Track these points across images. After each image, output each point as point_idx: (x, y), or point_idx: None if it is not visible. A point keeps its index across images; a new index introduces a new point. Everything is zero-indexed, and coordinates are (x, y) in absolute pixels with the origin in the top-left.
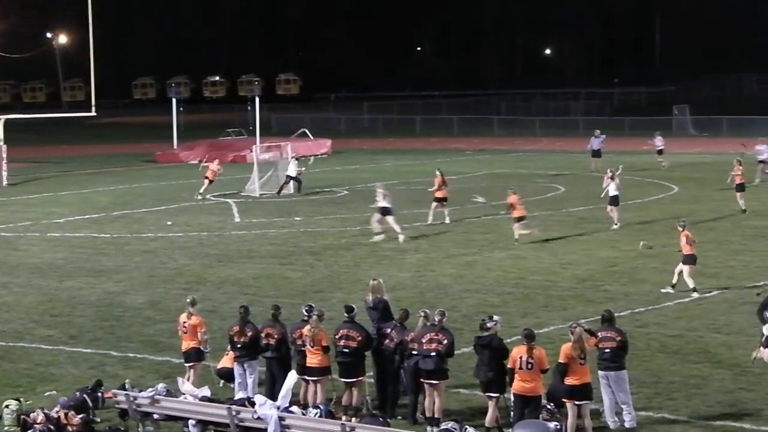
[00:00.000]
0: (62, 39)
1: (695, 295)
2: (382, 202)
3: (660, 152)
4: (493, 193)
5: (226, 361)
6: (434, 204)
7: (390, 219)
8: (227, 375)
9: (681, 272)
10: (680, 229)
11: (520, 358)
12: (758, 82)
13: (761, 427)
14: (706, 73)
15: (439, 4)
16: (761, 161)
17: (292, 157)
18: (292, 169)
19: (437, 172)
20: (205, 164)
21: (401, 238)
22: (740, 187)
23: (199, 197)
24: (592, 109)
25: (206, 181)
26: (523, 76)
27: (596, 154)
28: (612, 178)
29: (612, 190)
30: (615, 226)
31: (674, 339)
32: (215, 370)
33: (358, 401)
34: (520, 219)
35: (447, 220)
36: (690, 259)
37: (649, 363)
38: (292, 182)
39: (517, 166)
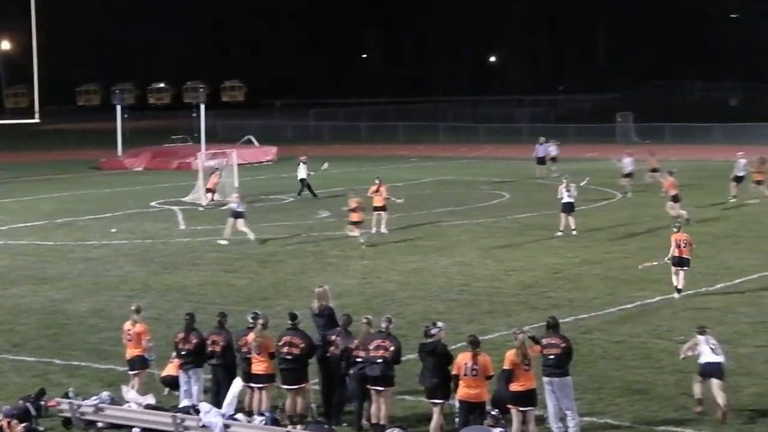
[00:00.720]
0: (5, 45)
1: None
2: (238, 207)
3: (553, 160)
4: (439, 200)
5: (171, 368)
6: (374, 213)
7: (241, 222)
8: (172, 383)
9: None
10: (675, 230)
11: (465, 364)
12: (702, 89)
13: None
14: (650, 80)
15: (385, 11)
16: (626, 175)
17: (302, 161)
18: (303, 172)
19: (376, 180)
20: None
21: (251, 236)
22: (675, 198)
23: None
24: (537, 116)
25: (209, 194)
26: (470, 83)
27: (541, 161)
28: (566, 187)
29: (566, 197)
30: (573, 233)
31: (617, 345)
32: (160, 377)
33: (302, 408)
34: (357, 223)
35: (383, 230)
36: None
37: (593, 369)
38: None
39: (462, 173)
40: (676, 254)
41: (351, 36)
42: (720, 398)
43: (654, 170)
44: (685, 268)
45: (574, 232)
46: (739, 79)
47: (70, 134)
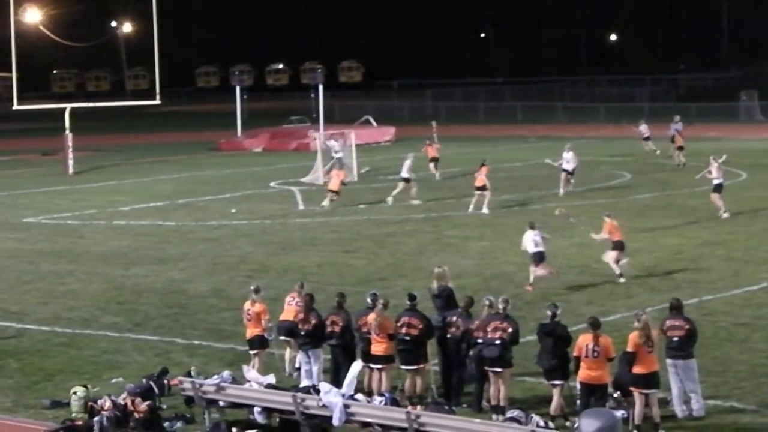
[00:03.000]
0: (126, 28)
1: (622, 280)
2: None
3: (647, 139)
4: (557, 180)
5: (288, 313)
6: (475, 192)
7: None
8: (289, 330)
9: (616, 260)
10: (607, 219)
11: (586, 346)
12: None
13: None
14: None
15: None
16: (565, 171)
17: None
18: (406, 170)
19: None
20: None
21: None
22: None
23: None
24: (657, 95)
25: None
26: (587, 62)
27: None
28: (718, 168)
29: (717, 178)
30: (725, 215)
31: (742, 327)
32: (277, 325)
33: (422, 389)
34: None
35: (485, 210)
36: (619, 246)
37: (717, 351)
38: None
39: (581, 153)
40: (617, 238)
41: (467, 15)
42: None
43: None
44: None
45: (725, 215)
46: None
47: (189, 116)
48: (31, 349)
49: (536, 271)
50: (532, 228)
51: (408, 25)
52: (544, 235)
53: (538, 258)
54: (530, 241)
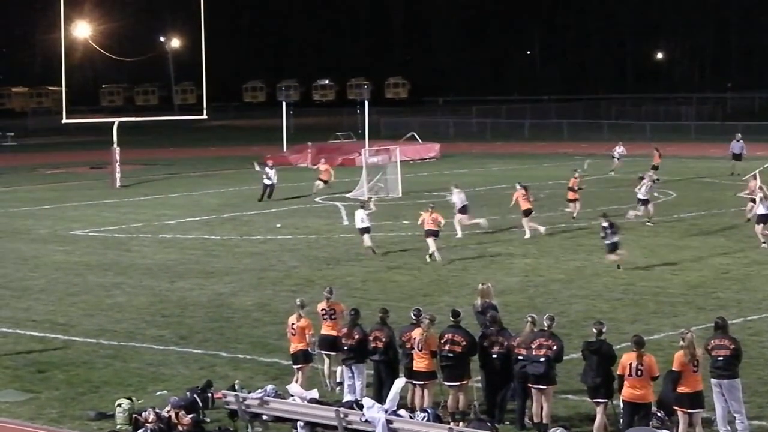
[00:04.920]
0: (174, 42)
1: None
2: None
3: (618, 159)
4: (603, 198)
5: (329, 327)
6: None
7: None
8: (332, 344)
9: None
10: (430, 210)
11: (630, 364)
12: None
13: None
14: None
15: (547, 7)
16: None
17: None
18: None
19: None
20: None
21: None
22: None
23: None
24: (704, 114)
25: (320, 183)
26: (633, 80)
27: (737, 157)
28: (765, 197)
29: (762, 209)
30: (764, 245)
31: None
32: (318, 340)
33: (464, 406)
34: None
35: (527, 234)
36: (432, 233)
37: (762, 372)
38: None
39: (627, 171)
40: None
41: (514, 33)
42: None
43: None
44: None
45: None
46: None
47: (235, 130)
48: (77, 360)
49: (365, 242)
50: (363, 207)
51: (455, 42)
52: (370, 213)
53: (364, 232)
54: (359, 219)
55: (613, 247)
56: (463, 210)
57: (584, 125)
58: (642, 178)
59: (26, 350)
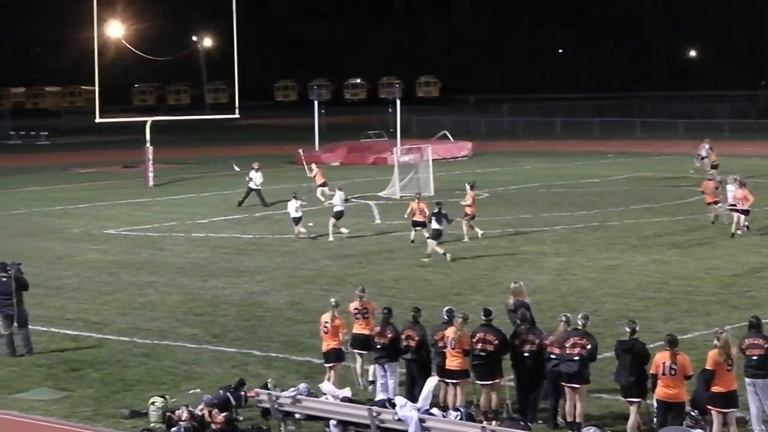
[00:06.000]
0: (207, 42)
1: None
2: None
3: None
4: (635, 196)
5: (361, 326)
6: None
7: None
8: (364, 342)
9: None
10: (417, 201)
11: (663, 363)
12: None
13: None
14: None
15: (578, 4)
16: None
17: (254, 168)
18: (257, 180)
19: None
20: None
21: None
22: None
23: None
24: (737, 112)
25: (320, 188)
26: (664, 77)
27: None
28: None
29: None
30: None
31: None
32: (350, 339)
33: (497, 404)
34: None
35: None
36: (419, 224)
37: None
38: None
39: (659, 169)
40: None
41: (545, 31)
42: None
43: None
44: None
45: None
46: None
47: (267, 129)
48: (111, 359)
49: (299, 230)
50: (295, 198)
51: (485, 41)
52: (303, 203)
53: (297, 221)
54: (292, 208)
55: (437, 234)
56: (339, 215)
57: (616, 123)
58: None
59: (60, 348)
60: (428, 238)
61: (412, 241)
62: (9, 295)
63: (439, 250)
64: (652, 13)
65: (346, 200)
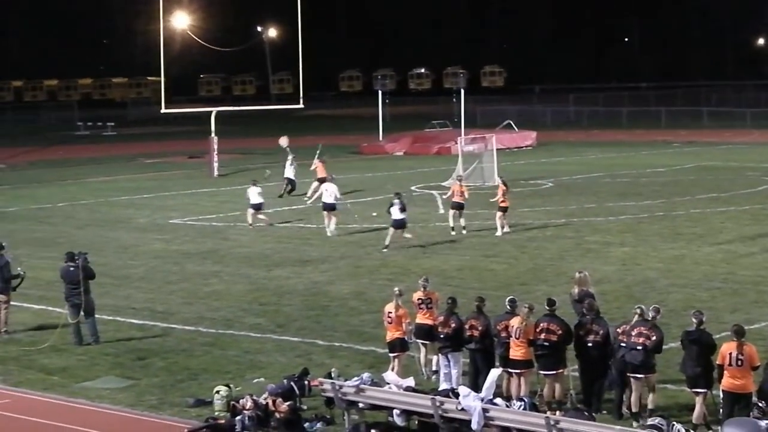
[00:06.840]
0: (271, 32)
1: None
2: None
3: None
4: (702, 186)
5: (425, 316)
6: (498, 213)
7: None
8: (428, 332)
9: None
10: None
11: (730, 354)
12: None
13: None
14: None
15: None
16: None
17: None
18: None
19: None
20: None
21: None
22: None
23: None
24: None
25: (316, 183)
26: (734, 66)
27: None
28: None
29: None
30: None
31: None
32: (414, 329)
33: (560, 395)
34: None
35: (498, 232)
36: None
37: None
38: None
39: (727, 159)
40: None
41: (611, 20)
42: None
43: None
44: None
45: None
46: None
47: (331, 119)
48: (176, 348)
49: (257, 216)
50: (254, 185)
51: (551, 30)
52: (261, 192)
53: (257, 208)
54: (254, 194)
55: (400, 224)
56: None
57: (683, 113)
58: None
59: (126, 338)
60: (391, 226)
61: (452, 228)
62: (76, 284)
63: (408, 235)
64: (721, 1)
65: (338, 198)
